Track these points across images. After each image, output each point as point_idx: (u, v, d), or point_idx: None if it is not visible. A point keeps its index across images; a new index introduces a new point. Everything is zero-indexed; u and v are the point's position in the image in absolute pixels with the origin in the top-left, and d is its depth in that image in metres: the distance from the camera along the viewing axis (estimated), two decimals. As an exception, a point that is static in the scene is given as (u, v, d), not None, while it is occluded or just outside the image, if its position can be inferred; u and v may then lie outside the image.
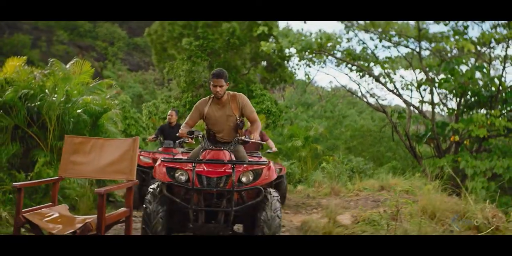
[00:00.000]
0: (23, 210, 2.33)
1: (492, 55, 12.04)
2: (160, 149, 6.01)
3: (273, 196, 3.02)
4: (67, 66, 6.62)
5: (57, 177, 2.69)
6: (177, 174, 3.04)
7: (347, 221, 4.29)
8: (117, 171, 2.58)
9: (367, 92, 13.98)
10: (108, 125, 6.89)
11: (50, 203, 2.64)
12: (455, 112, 11.54)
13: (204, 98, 3.66)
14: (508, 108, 10.75)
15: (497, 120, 9.34)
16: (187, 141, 5.90)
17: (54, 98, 5.81)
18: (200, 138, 3.61)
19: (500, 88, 10.47)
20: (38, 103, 5.75)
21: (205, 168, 3.06)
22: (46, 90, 5.98)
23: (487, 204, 4.15)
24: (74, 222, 2.31)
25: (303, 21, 11.40)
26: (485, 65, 11.40)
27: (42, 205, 2.59)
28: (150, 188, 3.14)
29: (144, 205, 3.02)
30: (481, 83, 10.77)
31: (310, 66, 12.29)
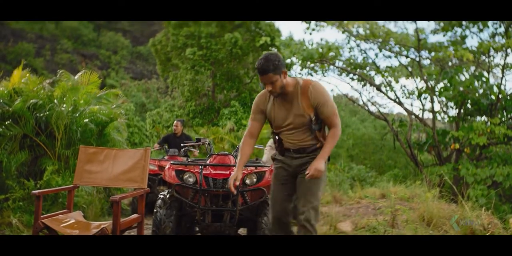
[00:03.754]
0: (41, 216, 2.48)
1: (492, 63, 12.23)
2: (165, 157, 6.16)
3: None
4: (76, 77, 6.83)
5: (72, 185, 2.85)
6: (185, 177, 3.27)
7: (347, 228, 4.43)
8: (130, 180, 2.74)
9: (369, 100, 14.13)
10: (114, 134, 7.07)
11: (66, 210, 2.79)
12: (456, 120, 11.68)
13: (265, 90, 2.66)
14: (508, 116, 10.88)
15: (497, 128, 9.47)
16: (192, 149, 6.07)
17: (62, 108, 5.99)
18: (206, 145, 3.84)
19: (500, 96, 10.62)
20: (47, 113, 5.92)
21: (211, 171, 3.29)
22: (55, 100, 6.17)
23: (483, 211, 4.28)
24: (90, 228, 2.47)
25: (305, 32, 11.60)
26: (485, 73, 11.57)
27: (58, 212, 2.74)
28: (161, 195, 3.36)
29: (155, 210, 3.26)
30: (480, 91, 10.92)
31: (312, 75, 12.47)
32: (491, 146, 10.39)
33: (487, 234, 3.93)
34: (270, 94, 2.56)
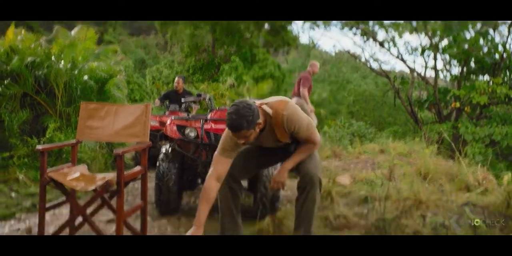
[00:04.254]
0: (47, 170, 2.54)
1: (498, 21, 11.88)
2: (166, 113, 6.19)
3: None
4: (72, 32, 6.69)
5: (75, 141, 2.89)
6: (187, 131, 3.33)
7: (346, 181, 4.56)
8: (131, 135, 2.77)
9: (371, 56, 13.95)
10: (114, 90, 7.05)
11: (70, 163, 2.85)
12: (458, 78, 11.58)
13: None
14: (511, 76, 10.77)
15: (499, 88, 9.41)
16: (192, 105, 6.07)
17: (60, 65, 5.93)
18: (207, 100, 3.86)
19: (504, 55, 10.44)
20: (45, 70, 5.88)
21: (212, 125, 3.33)
22: (52, 57, 6.10)
23: (479, 168, 4.38)
24: (95, 180, 2.53)
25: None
26: (491, 31, 11.30)
27: (63, 165, 2.80)
28: (163, 149, 3.43)
29: (157, 164, 3.35)
30: (485, 49, 10.73)
31: (314, 29, 12.19)
32: (492, 106, 10.39)
33: (480, 189, 4.05)
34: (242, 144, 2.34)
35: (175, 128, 3.37)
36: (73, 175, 2.63)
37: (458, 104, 10.57)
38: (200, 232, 2.21)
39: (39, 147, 2.56)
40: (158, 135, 5.73)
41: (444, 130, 9.11)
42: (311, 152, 2.49)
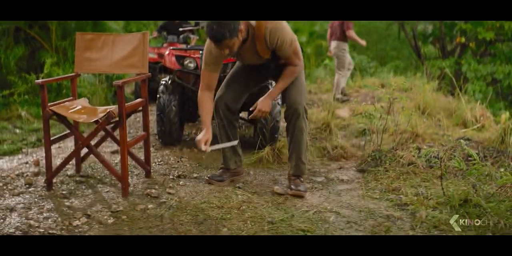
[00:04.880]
0: (48, 104, 2.55)
1: None
2: (164, 44, 6.05)
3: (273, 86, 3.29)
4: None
5: (74, 74, 2.86)
6: (186, 62, 3.30)
7: (345, 114, 4.63)
8: (130, 65, 2.73)
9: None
10: (110, 22, 6.82)
11: (71, 97, 2.85)
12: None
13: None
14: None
15: (507, 23, 9.05)
16: (191, 36, 5.90)
17: (53, -4, 5.68)
18: (205, 29, 3.74)
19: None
20: (35, 1, 5.63)
21: None
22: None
23: (478, 105, 4.40)
24: (97, 112, 2.55)
25: None
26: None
27: (64, 99, 2.81)
28: (163, 81, 3.42)
29: (158, 96, 3.36)
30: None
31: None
32: (498, 43, 10.09)
33: (477, 125, 4.11)
34: (227, 55, 2.34)
35: (174, 59, 3.33)
36: (75, 108, 2.65)
37: (463, 39, 10.27)
38: (209, 133, 2.37)
39: (38, 81, 2.54)
40: (157, 68, 5.65)
41: (446, 66, 8.99)
42: (294, 76, 2.46)
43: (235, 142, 2.57)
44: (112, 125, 2.69)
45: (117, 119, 2.47)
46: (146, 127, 2.79)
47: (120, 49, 2.78)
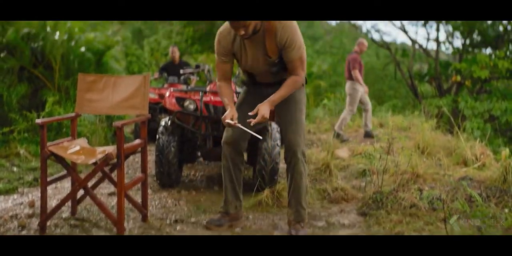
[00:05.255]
0: (47, 144, 2.55)
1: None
2: (165, 85, 6.15)
3: (273, 128, 3.29)
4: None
5: (74, 114, 2.88)
6: (186, 103, 3.32)
7: (344, 154, 4.60)
8: (131, 107, 2.76)
9: (372, 27, 13.67)
10: (112, 63, 6.98)
11: (70, 137, 2.85)
12: (460, 51, 11.43)
13: (225, 28, 2.43)
14: (513, 50, 10.61)
15: (501, 62, 9.28)
16: (191, 77, 6.03)
17: (56, 37, 5.84)
18: (206, 71, 3.82)
19: (508, 28, 10.25)
20: (41, 42, 5.79)
21: (212, 97, 3.32)
22: (48, 28, 5.99)
23: (477, 143, 4.40)
24: (96, 153, 2.54)
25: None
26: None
27: (63, 139, 2.81)
28: (162, 122, 3.43)
29: (157, 136, 3.36)
30: (489, 21, 10.51)
31: None
32: (493, 80, 10.29)
33: (477, 163, 4.08)
34: (241, 37, 2.29)
35: (174, 100, 3.36)
36: (73, 148, 2.64)
37: (458, 78, 10.48)
38: (234, 111, 2.39)
39: (38, 120, 2.55)
40: (157, 108, 5.71)
41: (443, 105, 9.09)
42: (296, 86, 2.43)
43: (260, 137, 2.44)
44: (110, 166, 2.67)
45: (115, 160, 2.46)
46: (144, 169, 2.77)
47: (121, 91, 2.81)
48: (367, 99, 6.24)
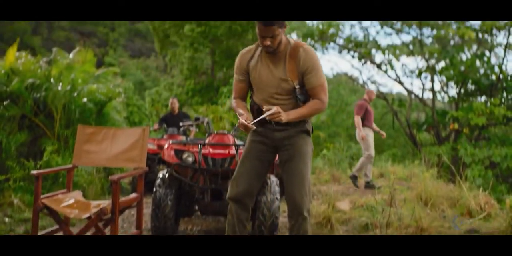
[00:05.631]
0: (41, 196, 2.49)
1: (494, 42, 12.05)
2: (164, 136, 6.17)
3: (273, 181, 3.24)
4: (71, 55, 6.75)
5: (71, 165, 2.85)
6: (184, 156, 3.28)
7: (345, 207, 4.48)
8: (128, 159, 2.74)
9: (369, 79, 14.01)
10: (113, 113, 7.05)
11: (65, 190, 2.80)
12: (455, 100, 11.63)
13: (250, 47, 2.45)
14: (508, 97, 10.81)
15: (497, 109, 9.43)
16: (191, 128, 6.06)
17: (59, 88, 5.96)
18: (205, 124, 3.83)
19: (501, 76, 10.53)
20: (44, 93, 5.89)
21: (210, 150, 3.29)
22: (52, 80, 6.13)
23: (481, 192, 4.32)
24: (90, 207, 2.48)
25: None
26: (487, 53, 11.43)
27: (58, 191, 2.75)
28: (160, 174, 3.37)
29: (154, 189, 3.28)
30: (481, 71, 10.82)
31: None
32: (490, 127, 10.39)
33: (482, 214, 3.98)
34: (265, 49, 2.25)
35: (172, 152, 3.33)
36: (67, 201, 2.58)
37: (456, 126, 10.57)
38: (247, 113, 2.31)
39: (34, 172, 2.52)
40: (156, 159, 5.68)
41: (443, 153, 9.07)
42: (318, 110, 2.33)
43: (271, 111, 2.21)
44: (104, 221, 2.59)
45: (110, 215, 2.39)
46: (139, 224, 2.69)
47: (120, 143, 2.81)
48: (372, 147, 6.22)
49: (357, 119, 6.05)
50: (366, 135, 6.09)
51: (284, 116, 2.20)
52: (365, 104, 6.23)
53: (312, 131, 2.50)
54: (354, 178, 5.95)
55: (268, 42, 2.21)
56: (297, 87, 2.31)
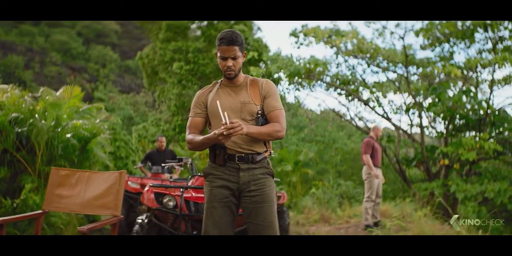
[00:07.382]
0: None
1: (479, 79, 12.28)
2: (149, 174, 5.97)
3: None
4: (57, 93, 6.65)
5: (40, 211, 2.64)
6: (165, 200, 3.08)
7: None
8: (102, 206, 2.54)
9: (356, 115, 14.05)
10: (97, 149, 6.85)
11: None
12: (444, 135, 11.65)
13: (207, 86, 2.46)
14: (497, 131, 10.86)
15: (486, 143, 9.43)
16: (176, 167, 5.89)
17: (43, 123, 5.80)
18: (188, 165, 3.66)
19: (488, 111, 10.63)
20: (27, 128, 5.72)
21: (193, 194, 3.10)
22: (36, 115, 5.97)
23: (480, 233, 4.16)
24: None
25: (293, 46, 11.58)
26: (472, 89, 11.61)
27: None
28: (138, 220, 3.16)
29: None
30: (469, 106, 10.93)
31: (299, 90, 12.42)
32: (481, 162, 10.34)
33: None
34: (227, 73, 2.25)
35: (152, 196, 3.13)
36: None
37: (446, 161, 10.50)
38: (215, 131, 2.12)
39: (-2, 220, 2.31)
40: (139, 199, 5.44)
41: (434, 188, 8.93)
42: (274, 131, 2.22)
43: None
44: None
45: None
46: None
47: (94, 188, 2.63)
48: (379, 191, 5.83)
49: (366, 158, 5.75)
50: (371, 176, 5.75)
51: (245, 128, 2.08)
52: (371, 141, 6.01)
53: (273, 176, 2.34)
54: (371, 227, 5.32)
55: (230, 63, 2.23)
56: (259, 111, 2.29)
